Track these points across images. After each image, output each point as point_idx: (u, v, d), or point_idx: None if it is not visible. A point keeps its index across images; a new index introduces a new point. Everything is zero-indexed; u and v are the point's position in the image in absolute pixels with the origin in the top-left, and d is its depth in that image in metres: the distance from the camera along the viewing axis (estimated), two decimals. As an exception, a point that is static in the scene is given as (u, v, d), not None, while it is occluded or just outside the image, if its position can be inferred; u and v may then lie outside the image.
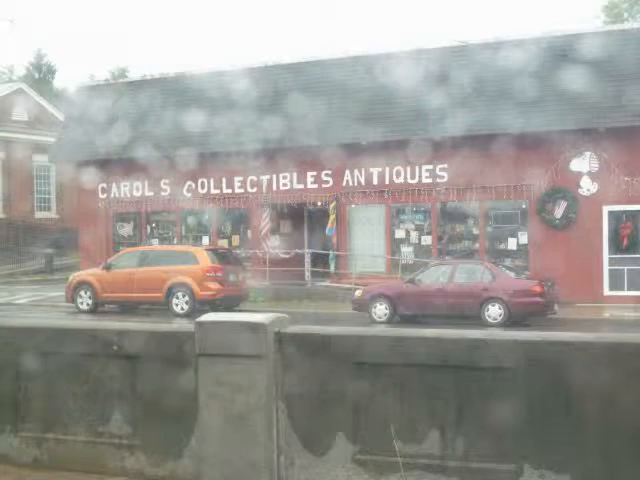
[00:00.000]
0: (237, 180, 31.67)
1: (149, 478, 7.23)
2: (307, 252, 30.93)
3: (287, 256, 30.75)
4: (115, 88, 35.94)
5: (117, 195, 33.86)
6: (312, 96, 28.20)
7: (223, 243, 32.14)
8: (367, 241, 30.30)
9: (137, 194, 33.50)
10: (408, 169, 29.21)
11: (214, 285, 25.72)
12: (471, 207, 29.09)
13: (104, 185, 33.80)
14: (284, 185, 30.98)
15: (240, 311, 24.49)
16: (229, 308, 24.95)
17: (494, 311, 22.26)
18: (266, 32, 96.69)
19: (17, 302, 30.88)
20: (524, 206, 28.27)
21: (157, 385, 7.25)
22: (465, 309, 22.62)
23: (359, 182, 29.93)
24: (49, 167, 46.39)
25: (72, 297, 27.29)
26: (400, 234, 29.95)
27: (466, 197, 28.55)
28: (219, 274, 25.91)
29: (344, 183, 30.10)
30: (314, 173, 30.44)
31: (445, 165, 28.60)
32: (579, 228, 27.06)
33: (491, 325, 21.77)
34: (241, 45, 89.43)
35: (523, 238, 28.28)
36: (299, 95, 27.97)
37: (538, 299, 22.23)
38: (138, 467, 7.28)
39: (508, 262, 27.68)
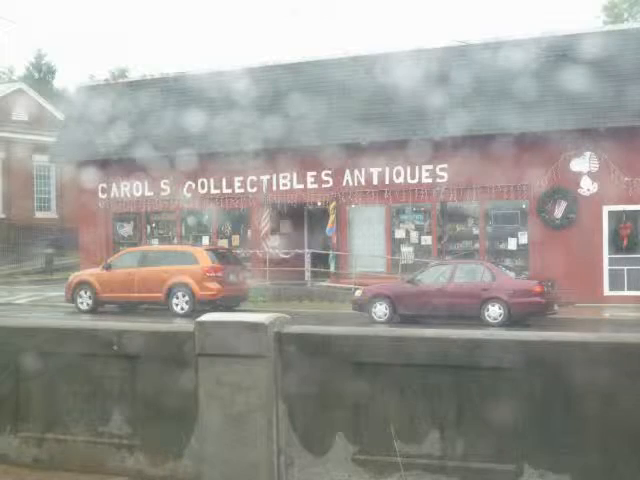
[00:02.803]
0: (237, 180, 31.67)
1: (149, 478, 7.23)
2: (307, 252, 30.93)
3: (287, 256, 30.77)
4: (115, 88, 35.93)
5: (117, 195, 33.85)
6: (312, 96, 28.20)
7: (223, 243, 32.15)
8: (367, 241, 30.30)
9: (137, 194, 33.50)
10: (408, 169, 29.21)
11: (214, 285, 25.71)
12: (471, 207, 29.11)
13: (104, 185, 33.80)
14: (284, 185, 30.98)
15: (240, 311, 24.51)
16: (229, 308, 24.98)
17: (494, 311, 22.27)
18: (266, 32, 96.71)
19: (17, 302, 30.89)
20: (524, 206, 28.28)
21: (157, 385, 7.25)
22: (465, 309, 22.61)
23: (359, 182, 29.93)
24: (49, 167, 46.42)
25: (72, 297, 27.28)
26: (400, 234, 29.96)
27: (466, 197, 28.56)
28: (219, 274, 25.90)
29: (344, 183, 30.10)
30: (314, 173, 30.45)
31: (445, 165, 28.61)
32: (579, 228, 27.07)
33: (491, 325, 21.77)
34: (241, 45, 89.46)
35: (523, 238, 28.29)
36: (299, 95, 27.97)
37: (538, 299, 22.22)
38: (138, 467, 7.28)
39: (508, 262, 27.71)
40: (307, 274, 30.72)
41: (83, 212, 35.04)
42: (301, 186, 30.75)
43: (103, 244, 33.39)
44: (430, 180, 28.99)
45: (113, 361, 7.43)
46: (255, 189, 31.41)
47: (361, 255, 30.02)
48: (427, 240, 29.62)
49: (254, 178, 31.33)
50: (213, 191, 32.24)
